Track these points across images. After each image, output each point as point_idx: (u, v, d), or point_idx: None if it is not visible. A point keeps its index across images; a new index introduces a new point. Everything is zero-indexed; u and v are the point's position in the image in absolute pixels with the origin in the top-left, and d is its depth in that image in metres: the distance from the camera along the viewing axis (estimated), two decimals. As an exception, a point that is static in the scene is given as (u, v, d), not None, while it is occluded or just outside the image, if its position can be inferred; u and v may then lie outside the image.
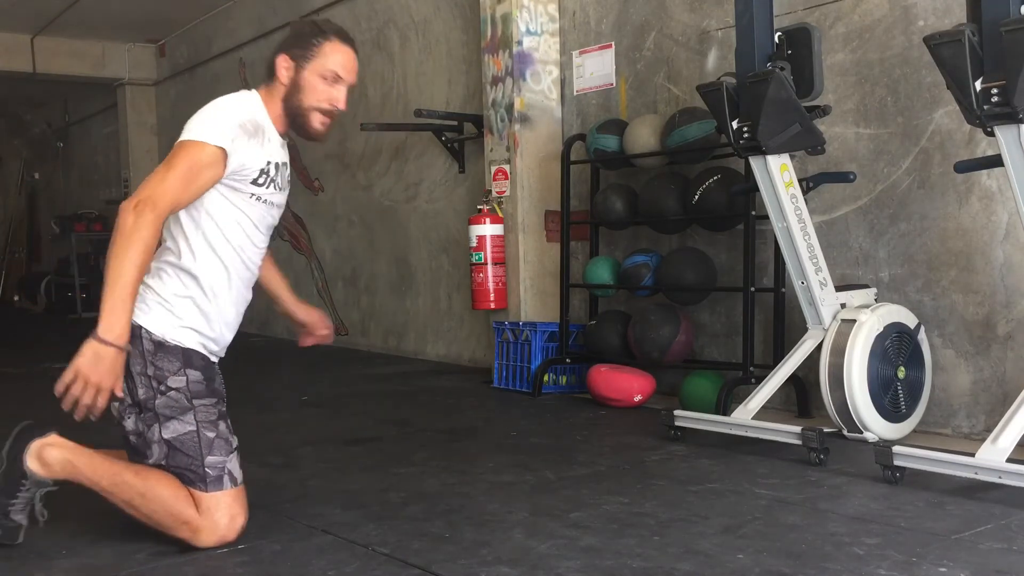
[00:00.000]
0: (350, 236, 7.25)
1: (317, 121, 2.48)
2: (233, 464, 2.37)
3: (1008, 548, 2.24)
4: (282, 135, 2.52)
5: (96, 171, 11.93)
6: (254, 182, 2.41)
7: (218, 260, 2.41)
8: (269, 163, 2.43)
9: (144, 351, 2.31)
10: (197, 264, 2.38)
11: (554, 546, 2.30)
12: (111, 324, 2.15)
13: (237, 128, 2.35)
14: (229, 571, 2.24)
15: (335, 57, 2.46)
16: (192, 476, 2.31)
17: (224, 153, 2.32)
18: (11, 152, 14.16)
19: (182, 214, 2.38)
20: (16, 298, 12.77)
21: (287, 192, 2.57)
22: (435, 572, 2.18)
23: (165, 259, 2.40)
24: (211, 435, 2.34)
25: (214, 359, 2.46)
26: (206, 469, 2.30)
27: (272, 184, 2.47)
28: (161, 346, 2.33)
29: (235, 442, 2.41)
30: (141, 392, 2.32)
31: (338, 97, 2.48)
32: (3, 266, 13.55)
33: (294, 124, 2.49)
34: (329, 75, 2.45)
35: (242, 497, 2.38)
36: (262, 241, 2.53)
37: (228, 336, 2.50)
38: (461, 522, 2.55)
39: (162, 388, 2.32)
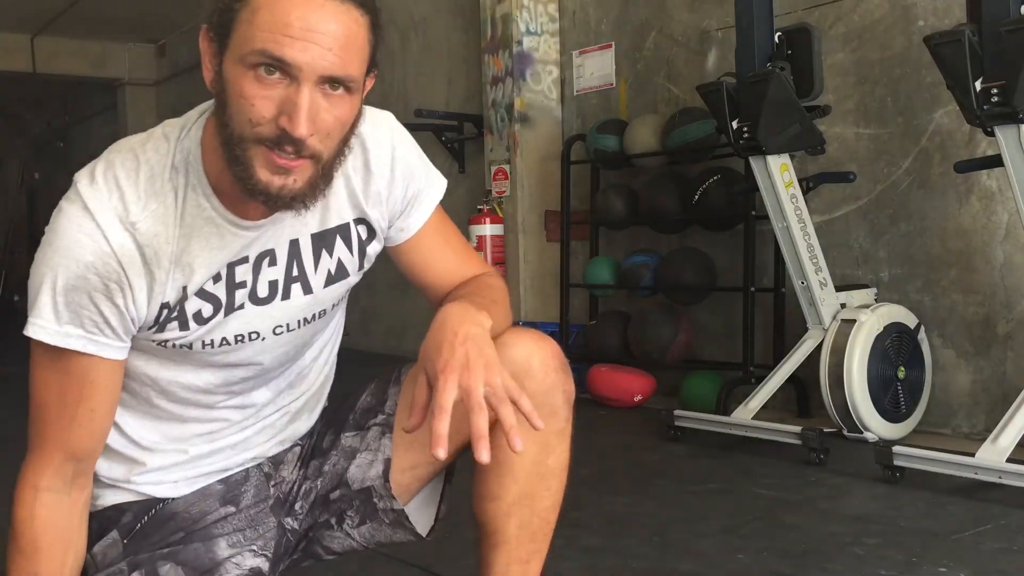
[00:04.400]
0: (350, 236, 7.22)
1: (260, 166, 1.15)
2: None
3: (1008, 548, 2.24)
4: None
5: (96, 171, 11.91)
6: (156, 328, 1.33)
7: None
8: (172, 300, 1.29)
9: None
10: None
11: (554, 546, 2.30)
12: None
13: (64, 306, 1.31)
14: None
15: (275, 14, 1.11)
16: None
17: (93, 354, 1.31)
18: (11, 152, 14.16)
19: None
20: (16, 298, 12.76)
21: (298, 299, 1.37)
22: (435, 572, 2.18)
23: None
24: None
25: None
26: None
27: (197, 318, 1.31)
28: None
29: None
30: None
31: (293, 105, 1.12)
32: (3, 266, 13.54)
33: (236, 177, 1.18)
34: (262, 58, 1.11)
35: None
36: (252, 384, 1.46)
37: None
38: (461, 523, 2.54)
39: None
